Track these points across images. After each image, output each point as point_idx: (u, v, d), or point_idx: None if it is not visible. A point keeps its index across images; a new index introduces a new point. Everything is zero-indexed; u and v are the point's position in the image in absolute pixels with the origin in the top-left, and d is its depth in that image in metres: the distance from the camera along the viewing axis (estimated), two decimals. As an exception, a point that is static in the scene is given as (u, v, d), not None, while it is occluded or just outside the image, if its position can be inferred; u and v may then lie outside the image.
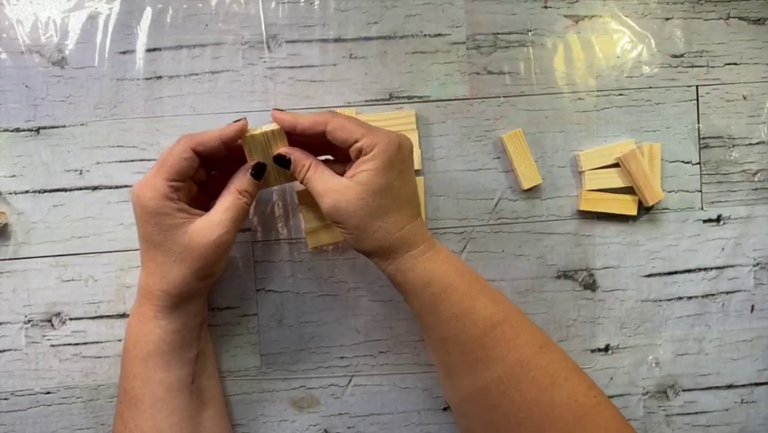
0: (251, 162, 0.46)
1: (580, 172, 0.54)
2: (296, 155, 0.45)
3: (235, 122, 0.45)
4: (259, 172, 0.46)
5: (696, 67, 0.55)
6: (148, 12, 0.52)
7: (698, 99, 0.55)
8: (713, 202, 0.56)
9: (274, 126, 0.45)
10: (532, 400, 0.42)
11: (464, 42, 0.54)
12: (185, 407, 0.46)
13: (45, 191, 0.52)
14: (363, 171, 0.43)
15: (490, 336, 0.43)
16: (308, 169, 0.45)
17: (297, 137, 0.46)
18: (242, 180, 0.45)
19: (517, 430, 0.42)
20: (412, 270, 0.45)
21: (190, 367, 0.47)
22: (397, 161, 0.44)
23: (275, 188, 0.53)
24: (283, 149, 0.46)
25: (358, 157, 0.44)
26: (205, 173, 0.48)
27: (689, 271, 0.56)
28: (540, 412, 0.41)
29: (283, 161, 0.46)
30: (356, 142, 0.44)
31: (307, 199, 0.51)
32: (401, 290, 0.46)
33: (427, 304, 0.45)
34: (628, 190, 0.54)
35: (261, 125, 0.45)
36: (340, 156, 0.48)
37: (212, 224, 0.44)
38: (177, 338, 0.46)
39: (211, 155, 0.45)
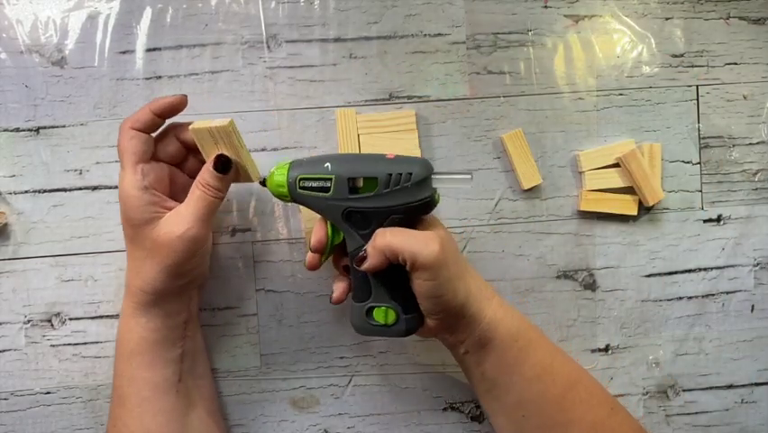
0: (213, 155, 0.44)
1: (581, 172, 0.54)
2: (371, 243, 0.43)
3: (173, 95, 0.44)
4: (222, 166, 0.44)
5: (696, 67, 0.55)
6: (148, 12, 0.52)
7: (698, 99, 0.55)
8: (713, 202, 0.56)
9: (224, 122, 0.43)
10: None
11: (464, 42, 0.54)
12: (171, 406, 0.46)
13: (45, 191, 0.52)
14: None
15: (569, 397, 0.43)
16: (388, 238, 0.42)
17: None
18: (204, 174, 0.44)
19: None
20: (502, 322, 0.43)
21: (175, 366, 0.46)
22: (449, 250, 0.43)
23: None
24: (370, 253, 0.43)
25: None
26: (177, 150, 0.47)
27: (689, 271, 0.56)
28: None
29: (225, 166, 0.44)
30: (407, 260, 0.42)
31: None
32: (483, 352, 0.44)
33: (513, 362, 0.43)
34: (628, 190, 0.54)
35: (213, 119, 0.44)
36: None
37: (179, 217, 0.43)
38: (158, 337, 0.45)
39: (150, 130, 0.44)
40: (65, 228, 0.52)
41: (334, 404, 0.54)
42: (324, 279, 0.54)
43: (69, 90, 0.52)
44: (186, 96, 0.45)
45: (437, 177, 0.44)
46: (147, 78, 0.52)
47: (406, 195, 0.42)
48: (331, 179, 0.43)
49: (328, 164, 0.43)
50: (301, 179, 0.43)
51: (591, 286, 0.55)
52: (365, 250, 0.43)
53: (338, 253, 0.48)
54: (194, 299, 0.49)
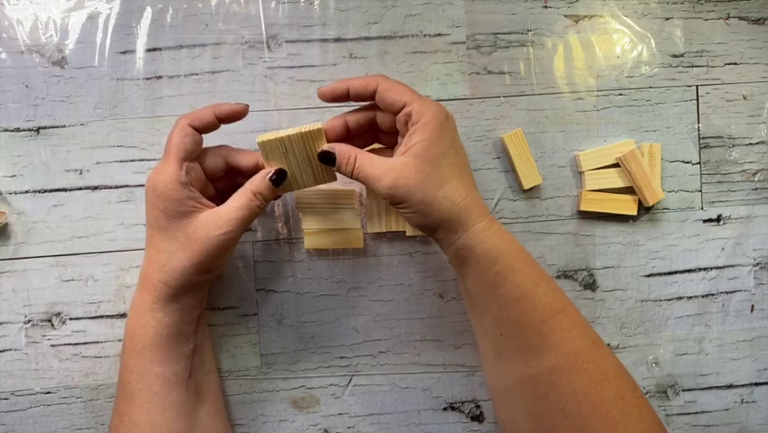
0: (272, 167, 0.46)
1: (580, 172, 0.54)
2: (339, 149, 0.45)
3: (236, 103, 0.46)
4: (279, 179, 0.45)
5: (696, 67, 0.55)
6: (148, 12, 0.52)
7: (698, 99, 0.55)
8: (713, 202, 0.56)
9: (292, 131, 0.45)
10: (582, 392, 0.41)
11: (464, 42, 0.54)
12: (181, 402, 0.46)
13: (45, 191, 0.52)
14: (416, 144, 0.43)
15: (548, 323, 0.43)
16: (355, 159, 0.44)
17: (336, 136, 0.46)
18: (259, 183, 0.45)
19: (562, 422, 0.42)
20: (480, 243, 0.43)
21: (187, 361, 0.47)
22: (447, 129, 0.44)
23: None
24: (325, 145, 0.45)
25: (405, 126, 0.44)
26: (220, 169, 0.47)
27: (689, 271, 0.56)
28: (588, 406, 0.41)
29: (328, 158, 0.45)
30: (405, 106, 0.43)
31: (307, 205, 0.51)
32: (463, 267, 0.45)
33: (490, 283, 0.44)
34: (628, 190, 0.54)
35: (279, 130, 0.45)
36: (384, 140, 0.49)
37: (220, 219, 0.44)
38: (173, 332, 0.45)
39: (206, 131, 0.45)
40: (65, 228, 0.52)
41: (334, 404, 0.54)
42: (324, 279, 0.54)
43: (69, 90, 0.52)
44: (248, 106, 0.46)
45: None
46: (147, 78, 0.52)
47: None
48: None
49: None
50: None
51: (591, 286, 0.55)
52: (333, 152, 0.45)
53: None
54: (206, 295, 0.49)
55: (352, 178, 0.45)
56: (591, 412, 0.41)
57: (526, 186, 0.54)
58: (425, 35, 0.54)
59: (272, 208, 0.53)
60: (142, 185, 0.52)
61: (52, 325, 0.53)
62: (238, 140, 0.53)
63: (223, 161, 0.47)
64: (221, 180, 0.49)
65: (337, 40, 0.53)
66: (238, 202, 0.44)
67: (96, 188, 0.52)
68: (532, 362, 0.43)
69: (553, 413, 0.42)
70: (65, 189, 0.52)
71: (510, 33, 0.54)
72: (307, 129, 0.45)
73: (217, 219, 0.44)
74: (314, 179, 0.47)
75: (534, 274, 0.44)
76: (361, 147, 0.47)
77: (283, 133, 0.45)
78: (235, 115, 0.46)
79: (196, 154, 0.45)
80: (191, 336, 0.47)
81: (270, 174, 0.45)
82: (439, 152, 0.43)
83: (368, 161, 0.44)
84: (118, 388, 0.46)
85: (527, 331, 0.43)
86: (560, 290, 0.45)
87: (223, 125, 0.52)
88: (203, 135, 0.46)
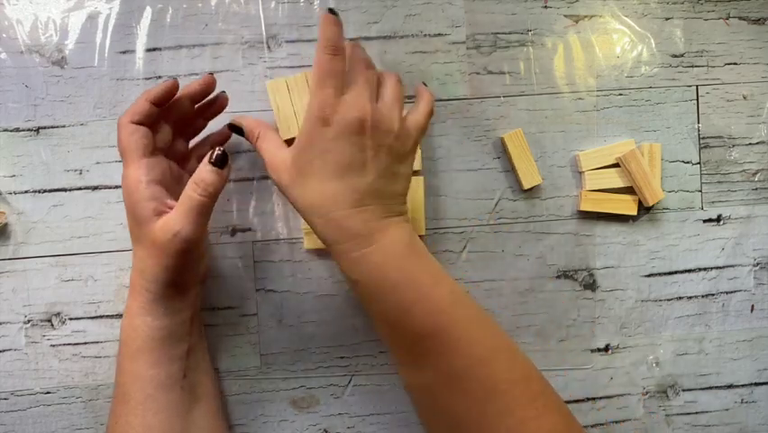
0: (212, 151, 0.43)
1: (580, 172, 0.54)
2: (247, 122, 0.46)
3: (164, 83, 0.45)
4: (220, 161, 0.43)
5: (696, 67, 0.55)
6: (148, 12, 0.52)
7: (698, 99, 0.55)
8: (713, 202, 0.56)
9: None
10: (462, 411, 0.40)
11: (464, 42, 0.54)
12: (175, 403, 0.46)
13: (45, 191, 0.52)
14: (296, 142, 0.43)
15: (420, 345, 0.41)
16: (257, 137, 0.45)
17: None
18: (201, 170, 0.43)
19: None
20: (357, 266, 0.42)
21: (181, 363, 0.46)
22: (318, 137, 0.41)
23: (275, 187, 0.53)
24: (236, 117, 0.47)
25: None
26: (163, 137, 0.46)
27: (689, 271, 0.56)
28: (471, 424, 0.40)
29: (236, 129, 0.46)
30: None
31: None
32: (349, 278, 0.44)
33: (363, 301, 0.44)
34: (628, 190, 0.54)
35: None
36: None
37: (171, 222, 0.42)
38: (164, 334, 0.45)
39: (149, 121, 0.44)
40: (65, 228, 0.52)
41: (334, 404, 0.54)
42: (323, 279, 0.54)
43: (69, 90, 0.52)
44: (176, 80, 0.45)
45: None
46: (147, 78, 0.52)
47: None
48: None
49: None
50: None
51: (591, 286, 0.55)
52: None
53: None
54: (197, 295, 0.49)
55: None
56: (475, 430, 0.40)
57: (526, 186, 0.54)
58: (425, 35, 0.54)
59: (272, 208, 0.53)
60: (142, 185, 0.53)
61: (52, 325, 0.52)
62: (237, 140, 0.53)
63: (136, 127, 0.44)
64: (192, 161, 0.49)
65: (337, 40, 0.53)
66: (184, 199, 0.42)
67: (95, 188, 0.52)
68: (414, 373, 0.43)
69: (439, 425, 0.43)
70: (65, 189, 0.52)
71: (510, 33, 0.54)
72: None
73: (170, 222, 0.42)
74: None
75: (404, 301, 0.41)
76: None
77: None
78: (169, 94, 0.45)
79: (151, 148, 0.44)
80: (184, 337, 0.47)
81: (210, 157, 0.43)
82: (307, 140, 0.41)
83: (265, 144, 0.45)
84: (115, 389, 0.46)
85: (403, 349, 0.43)
86: (445, 311, 0.42)
87: (223, 126, 0.52)
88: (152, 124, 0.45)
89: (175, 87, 0.45)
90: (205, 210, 0.43)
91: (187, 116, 0.48)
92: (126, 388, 0.45)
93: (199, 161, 0.44)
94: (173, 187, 0.46)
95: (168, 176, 0.46)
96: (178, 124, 0.48)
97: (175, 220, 0.42)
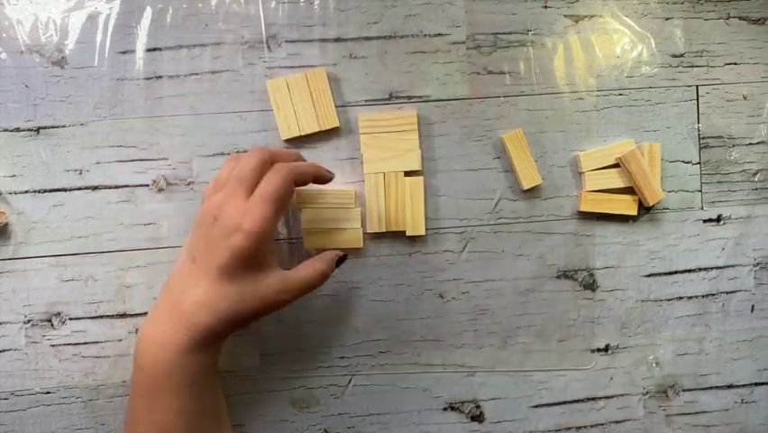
0: (340, 252, 0.49)
1: (581, 173, 0.54)
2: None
3: (327, 171, 0.48)
4: (342, 262, 0.49)
5: (696, 67, 0.55)
6: (148, 12, 0.52)
7: (698, 99, 0.55)
8: (713, 202, 0.56)
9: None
10: None
11: (464, 42, 0.54)
12: (211, 431, 0.46)
13: (45, 191, 0.52)
14: None
15: None
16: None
17: None
18: (329, 265, 0.47)
19: None
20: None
21: (219, 392, 0.47)
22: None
23: None
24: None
25: None
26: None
27: (689, 271, 0.56)
28: None
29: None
30: None
31: (307, 201, 0.51)
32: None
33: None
34: (628, 190, 0.54)
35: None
36: None
37: (288, 285, 0.44)
38: (208, 370, 0.45)
39: (302, 185, 0.47)
40: (65, 228, 0.52)
41: (334, 404, 0.54)
42: (324, 279, 0.54)
43: (69, 90, 0.52)
44: (333, 175, 0.49)
45: None
46: (147, 78, 0.52)
47: None
48: None
49: None
50: None
51: (591, 286, 0.55)
52: None
53: None
54: None
55: None
56: None
57: (526, 186, 0.54)
58: (425, 35, 0.54)
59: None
60: (142, 185, 0.53)
61: (52, 325, 0.52)
62: (237, 140, 0.53)
63: (312, 180, 0.48)
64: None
65: (337, 40, 0.53)
66: (307, 275, 0.46)
67: (95, 188, 0.52)
68: None
69: None
70: (65, 189, 0.52)
71: (510, 33, 0.54)
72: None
73: (285, 284, 0.44)
74: None
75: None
76: None
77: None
78: (325, 182, 0.48)
79: (287, 206, 0.46)
80: (217, 369, 0.47)
81: (337, 258, 0.48)
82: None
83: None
84: (143, 426, 0.43)
85: None
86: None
87: (222, 126, 0.53)
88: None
89: (331, 179, 0.49)
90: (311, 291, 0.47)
91: None
92: (167, 425, 0.43)
93: None
94: None
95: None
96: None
97: (290, 292, 0.45)
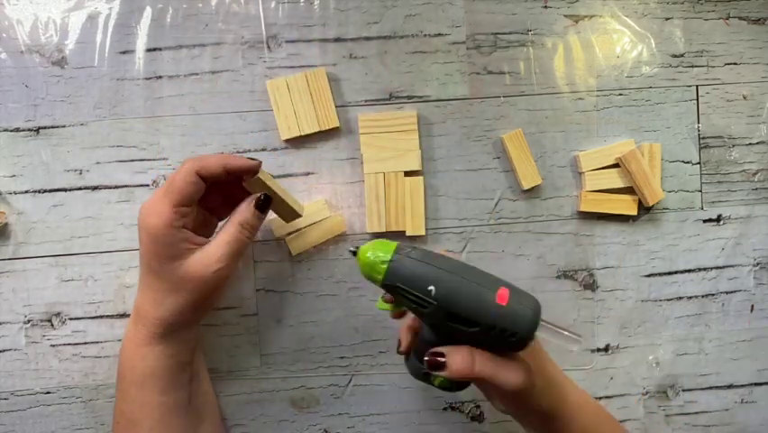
0: (255, 194, 0.45)
1: (581, 173, 0.54)
2: (452, 356, 0.40)
3: (249, 158, 0.44)
4: (264, 205, 0.45)
5: (696, 67, 0.55)
6: (148, 12, 0.52)
7: (698, 99, 0.55)
8: (713, 202, 0.56)
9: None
10: None
11: (464, 42, 0.54)
12: (183, 427, 0.46)
13: (45, 191, 0.52)
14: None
15: None
16: (472, 361, 0.40)
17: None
18: (244, 212, 0.44)
19: None
20: (575, 419, 0.45)
21: (187, 388, 0.47)
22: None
23: None
24: (436, 349, 0.41)
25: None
26: (216, 199, 0.47)
27: (689, 271, 0.56)
28: None
29: (437, 365, 0.40)
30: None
31: (258, 190, 0.46)
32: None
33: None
34: (628, 190, 0.54)
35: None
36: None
37: (210, 257, 0.43)
38: (172, 363, 0.45)
39: (214, 180, 0.44)
40: (65, 228, 0.52)
41: (334, 404, 0.54)
42: (323, 279, 0.54)
43: (69, 90, 0.52)
44: (260, 162, 0.44)
45: (543, 327, 0.40)
46: (147, 78, 0.52)
47: (503, 343, 0.39)
48: (431, 305, 0.39)
49: (432, 288, 0.39)
50: (398, 287, 0.39)
51: (591, 286, 0.55)
52: (443, 358, 0.40)
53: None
54: (201, 323, 0.49)
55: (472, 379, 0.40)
56: None
57: (526, 186, 0.54)
58: (425, 35, 0.54)
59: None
60: (142, 185, 0.53)
61: (52, 325, 0.52)
62: (237, 140, 0.53)
63: (199, 180, 0.44)
64: (210, 196, 0.47)
65: (337, 40, 0.53)
66: (226, 236, 0.44)
67: (95, 188, 0.52)
68: None
69: None
70: (65, 189, 0.52)
71: (510, 33, 0.54)
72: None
73: (208, 257, 0.43)
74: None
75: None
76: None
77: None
78: (247, 171, 0.44)
79: (195, 201, 0.44)
80: (189, 364, 0.47)
81: (254, 201, 0.45)
82: (538, 379, 0.42)
83: (485, 361, 0.40)
84: (117, 415, 0.46)
85: None
86: None
87: (222, 126, 0.53)
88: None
89: (256, 168, 0.44)
90: (244, 248, 0.45)
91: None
92: (134, 415, 0.45)
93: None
94: (199, 228, 0.46)
95: (191, 218, 0.45)
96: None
97: (215, 256, 0.43)
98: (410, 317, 0.46)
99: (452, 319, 0.39)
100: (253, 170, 0.44)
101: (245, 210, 0.44)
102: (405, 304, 0.40)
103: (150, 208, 0.42)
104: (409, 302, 0.40)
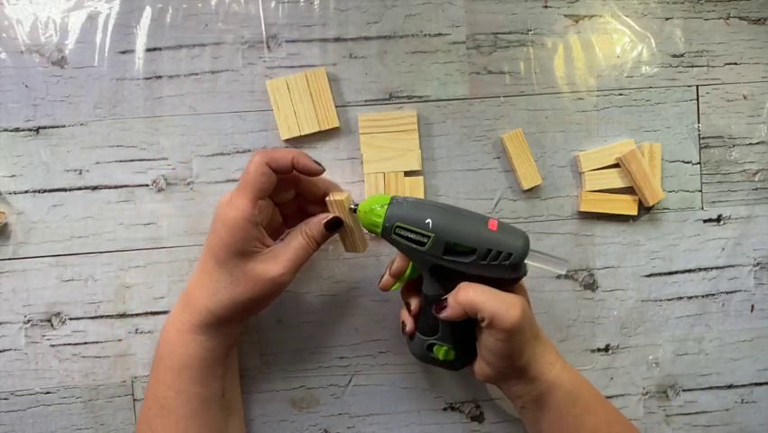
0: (328, 214, 0.46)
1: (581, 173, 0.54)
2: (453, 295, 0.45)
3: (315, 162, 0.45)
4: (334, 226, 0.46)
5: (696, 67, 0.55)
6: (148, 12, 0.52)
7: (698, 99, 0.55)
8: (713, 202, 0.56)
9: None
10: None
11: (464, 42, 0.54)
12: (215, 419, 0.47)
13: (45, 191, 0.52)
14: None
15: None
16: (471, 292, 0.44)
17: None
18: (314, 227, 0.45)
19: None
20: (561, 386, 0.45)
21: (221, 382, 0.47)
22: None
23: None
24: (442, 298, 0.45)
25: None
26: (292, 207, 0.48)
27: (689, 271, 0.56)
28: None
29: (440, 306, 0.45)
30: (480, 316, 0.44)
31: (336, 211, 0.48)
32: (542, 411, 0.46)
33: (569, 425, 0.45)
34: (628, 190, 0.54)
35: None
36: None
37: (278, 261, 0.44)
38: (212, 355, 0.46)
39: (282, 174, 0.44)
40: (65, 228, 0.52)
41: (334, 404, 0.54)
42: (323, 279, 0.54)
43: (69, 90, 0.52)
44: (324, 169, 0.45)
45: (533, 254, 0.45)
46: (147, 78, 0.52)
47: (499, 270, 0.44)
48: (429, 237, 0.43)
49: (429, 221, 0.43)
50: (398, 227, 0.44)
51: (591, 286, 0.55)
52: (446, 300, 0.45)
53: (410, 287, 0.49)
54: (246, 324, 0.50)
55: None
56: None
57: (526, 186, 0.54)
58: (425, 35, 0.54)
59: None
60: (142, 185, 0.52)
61: (52, 325, 0.52)
62: (237, 140, 0.53)
63: (293, 193, 0.47)
64: (288, 204, 0.49)
65: (337, 39, 0.53)
66: (295, 243, 0.45)
67: (95, 188, 0.52)
68: None
69: None
70: (65, 189, 0.52)
71: (510, 33, 0.54)
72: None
73: (275, 261, 0.44)
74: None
75: (608, 411, 0.47)
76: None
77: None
78: (310, 172, 0.45)
79: (269, 193, 0.44)
80: (225, 359, 0.47)
81: (326, 220, 0.46)
82: (527, 319, 0.45)
83: (476, 292, 0.44)
84: (150, 400, 0.46)
85: None
86: (631, 424, 0.48)
87: (222, 126, 0.53)
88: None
89: (319, 173, 0.45)
90: (307, 260, 0.46)
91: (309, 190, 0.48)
92: (168, 402, 0.45)
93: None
94: (273, 233, 0.47)
95: (269, 220, 0.47)
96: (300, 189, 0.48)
97: (283, 262, 0.44)
98: (413, 302, 0.48)
99: (449, 252, 0.43)
100: (316, 173, 0.45)
101: (316, 224, 0.46)
102: (403, 247, 0.44)
103: (230, 203, 0.43)
104: (408, 242, 0.43)
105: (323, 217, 0.46)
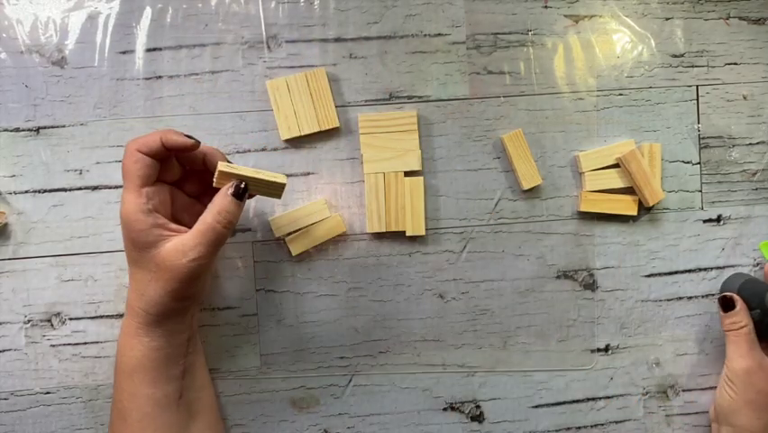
0: (232, 182, 0.44)
1: (581, 173, 0.54)
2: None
3: (187, 136, 0.43)
4: (241, 193, 0.44)
5: (696, 67, 0.55)
6: (148, 12, 0.52)
7: (698, 99, 0.55)
8: (713, 202, 0.56)
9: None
10: None
11: (464, 42, 0.54)
12: (172, 422, 0.46)
13: (45, 191, 0.52)
14: None
15: None
16: None
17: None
18: (221, 202, 0.44)
19: None
20: None
21: (177, 383, 0.47)
22: None
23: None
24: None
25: None
26: (197, 186, 0.47)
27: (689, 271, 0.56)
28: None
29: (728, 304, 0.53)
30: None
31: (229, 182, 0.45)
32: None
33: None
34: (628, 191, 0.54)
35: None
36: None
37: (186, 245, 0.43)
38: (161, 355, 0.45)
39: (157, 156, 0.43)
40: (65, 228, 0.52)
41: (334, 404, 0.54)
42: (323, 279, 0.54)
43: (69, 90, 0.52)
44: (199, 143, 0.44)
45: None
46: (147, 78, 0.52)
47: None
48: None
49: None
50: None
51: (591, 286, 0.55)
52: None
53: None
54: (195, 316, 0.49)
55: None
56: None
57: (526, 186, 0.54)
58: (425, 35, 0.54)
59: (272, 208, 0.53)
60: (142, 185, 0.52)
61: (52, 325, 0.52)
62: (237, 140, 0.53)
63: (176, 162, 0.46)
64: (189, 181, 0.47)
65: (337, 40, 0.53)
66: (202, 225, 0.43)
67: (95, 188, 0.52)
68: None
69: None
70: (65, 189, 0.52)
71: (510, 33, 0.54)
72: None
73: (183, 246, 0.43)
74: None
75: None
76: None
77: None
78: (184, 149, 0.44)
79: (154, 178, 0.43)
80: (180, 358, 0.47)
81: (230, 189, 0.44)
82: None
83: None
84: (113, 405, 0.47)
85: None
86: None
87: (222, 126, 0.53)
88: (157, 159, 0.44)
89: (194, 147, 0.44)
90: (222, 238, 0.44)
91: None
92: (123, 405, 0.45)
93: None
94: (179, 214, 0.46)
95: (168, 204, 0.45)
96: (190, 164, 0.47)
97: (190, 245, 0.43)
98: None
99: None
100: (191, 149, 0.44)
101: (222, 199, 0.44)
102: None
103: (121, 199, 0.43)
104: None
105: (226, 189, 0.44)
